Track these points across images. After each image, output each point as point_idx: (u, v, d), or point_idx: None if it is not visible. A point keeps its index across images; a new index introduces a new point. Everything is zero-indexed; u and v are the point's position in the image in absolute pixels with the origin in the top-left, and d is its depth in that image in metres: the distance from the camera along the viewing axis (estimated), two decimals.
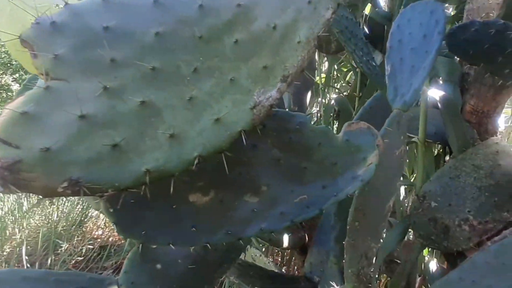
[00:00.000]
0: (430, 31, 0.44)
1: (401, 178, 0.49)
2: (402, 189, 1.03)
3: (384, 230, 0.89)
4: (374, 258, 0.46)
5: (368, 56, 0.57)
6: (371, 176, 0.35)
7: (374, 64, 0.58)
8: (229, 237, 0.31)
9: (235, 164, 0.32)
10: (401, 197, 1.03)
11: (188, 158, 0.22)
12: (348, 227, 0.43)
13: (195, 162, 0.22)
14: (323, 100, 1.22)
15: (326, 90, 1.24)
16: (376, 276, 0.93)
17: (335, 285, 0.48)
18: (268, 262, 0.80)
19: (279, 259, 1.28)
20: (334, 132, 0.38)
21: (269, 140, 0.33)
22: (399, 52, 0.46)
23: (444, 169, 0.67)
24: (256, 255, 0.84)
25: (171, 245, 0.28)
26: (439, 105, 0.70)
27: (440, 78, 0.79)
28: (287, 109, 0.65)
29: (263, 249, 1.29)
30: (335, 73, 1.21)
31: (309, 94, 0.71)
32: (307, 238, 0.70)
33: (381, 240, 0.46)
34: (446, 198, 0.64)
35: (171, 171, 0.22)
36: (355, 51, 0.53)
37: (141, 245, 0.38)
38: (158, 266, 0.39)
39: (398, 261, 0.79)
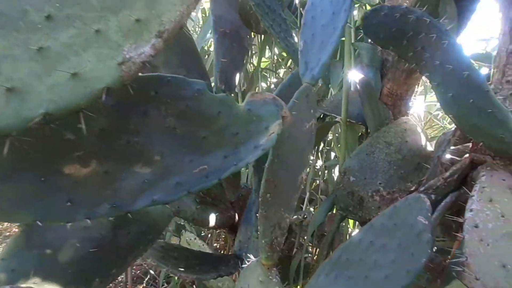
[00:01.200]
0: (338, 8, 0.46)
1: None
2: (337, 169, 1.09)
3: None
4: (287, 227, 0.47)
5: (286, 32, 0.57)
6: (272, 145, 0.35)
7: (292, 41, 0.59)
8: (115, 210, 0.28)
9: (121, 131, 0.29)
10: (336, 177, 1.10)
11: (29, 116, 0.19)
12: (260, 199, 0.44)
13: (40, 120, 0.19)
14: (265, 85, 1.22)
15: (268, 75, 1.24)
16: (310, 249, 0.98)
17: (252, 257, 0.49)
18: (203, 245, 0.79)
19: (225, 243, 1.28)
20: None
21: (162, 107, 0.31)
22: (311, 28, 0.47)
23: (362, 146, 0.72)
24: (191, 239, 0.82)
25: (38, 222, 0.25)
26: (358, 88, 0.75)
27: (364, 63, 0.84)
28: (213, 88, 0.63)
29: (209, 235, 1.28)
30: (275, 57, 1.21)
31: (238, 76, 0.70)
32: (237, 218, 0.70)
33: (294, 211, 0.47)
34: (362, 173, 0.69)
35: (5, 130, 0.19)
36: (272, 26, 0.53)
37: (24, 228, 0.34)
38: (48, 251, 0.35)
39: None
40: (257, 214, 0.44)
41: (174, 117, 0.31)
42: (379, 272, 0.43)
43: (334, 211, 0.79)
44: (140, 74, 0.24)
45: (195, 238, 0.81)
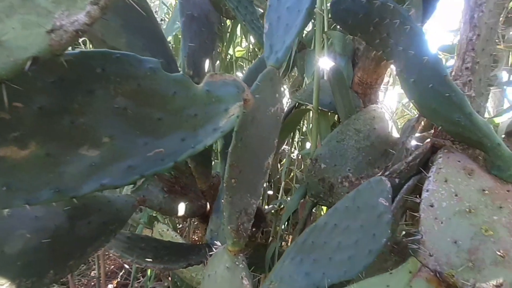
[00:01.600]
0: None
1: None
2: None
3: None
4: (254, 213, 0.47)
5: (252, 15, 0.56)
6: (232, 127, 0.34)
7: (259, 24, 0.58)
8: (59, 195, 0.26)
9: (64, 111, 0.27)
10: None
11: None
12: (224, 185, 0.43)
13: None
14: (241, 74, 1.20)
15: (244, 65, 1.22)
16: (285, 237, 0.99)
17: (219, 244, 0.48)
18: (175, 236, 0.78)
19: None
20: None
21: (111, 86, 0.29)
22: (277, 11, 0.46)
23: (333, 134, 0.72)
24: (163, 230, 0.80)
25: None
26: (328, 75, 0.75)
27: (336, 52, 0.84)
28: (181, 72, 0.61)
29: (187, 227, 1.27)
30: (250, 46, 1.20)
31: (208, 62, 0.68)
32: (208, 207, 0.69)
33: (261, 196, 0.47)
34: (333, 160, 0.70)
35: None
36: (237, 8, 0.52)
37: None
38: None
39: None
40: (223, 201, 0.43)
41: (125, 97, 0.29)
42: (342, 253, 0.44)
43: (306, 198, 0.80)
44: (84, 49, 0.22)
45: (167, 230, 0.79)
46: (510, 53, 0.78)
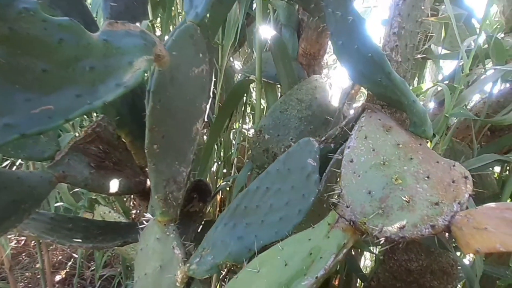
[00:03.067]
0: None
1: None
2: None
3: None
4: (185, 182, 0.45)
5: None
6: (137, 82, 0.31)
7: None
8: None
9: None
10: None
11: None
12: (146, 151, 0.40)
13: None
14: None
15: None
16: None
17: (150, 216, 0.46)
18: (118, 218, 0.73)
19: None
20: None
21: None
22: None
23: (276, 104, 0.72)
24: (105, 213, 0.75)
25: None
26: (270, 45, 0.73)
27: (281, 22, 0.82)
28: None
29: (138, 210, 1.21)
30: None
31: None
32: (148, 183, 0.66)
33: (191, 164, 0.45)
34: (276, 130, 0.70)
35: None
36: None
37: None
38: None
39: None
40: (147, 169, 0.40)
41: None
42: (274, 215, 0.44)
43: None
44: None
45: (109, 212, 0.74)
46: (443, 26, 0.82)
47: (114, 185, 0.56)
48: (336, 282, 0.89)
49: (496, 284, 0.66)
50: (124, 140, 0.60)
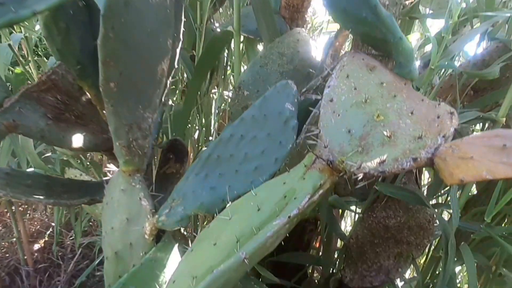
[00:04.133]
0: None
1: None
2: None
3: None
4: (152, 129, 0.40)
5: None
6: (50, 6, 0.25)
7: None
8: None
9: None
10: None
11: None
12: (101, 89, 0.35)
13: None
14: None
15: None
16: None
17: (115, 169, 0.42)
18: (91, 180, 0.69)
19: None
20: None
21: None
22: None
23: (256, 58, 0.67)
24: (76, 176, 0.70)
25: None
26: None
27: None
28: None
29: None
30: None
31: None
32: None
33: (157, 110, 0.40)
34: (256, 86, 0.65)
35: None
36: None
37: None
38: None
39: None
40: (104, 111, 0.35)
41: None
42: (249, 164, 0.40)
43: None
44: None
45: (80, 175, 0.70)
46: None
47: (77, 140, 0.50)
48: (317, 245, 0.90)
49: (471, 237, 0.67)
50: (88, 93, 0.53)
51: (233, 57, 0.97)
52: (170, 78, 0.45)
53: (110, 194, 0.41)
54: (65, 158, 0.73)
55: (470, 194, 0.82)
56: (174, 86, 1.14)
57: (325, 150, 0.31)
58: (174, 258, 0.40)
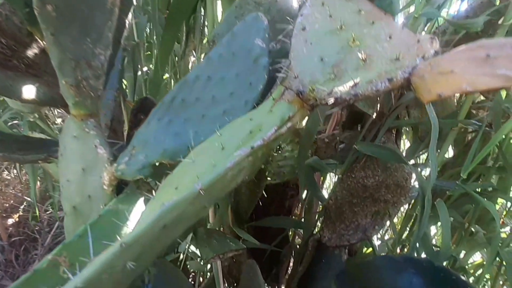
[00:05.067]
0: None
1: None
2: None
3: None
4: (104, 70, 0.35)
5: None
6: None
7: None
8: None
9: None
10: None
11: None
12: (37, 13, 0.29)
13: None
14: None
15: None
16: None
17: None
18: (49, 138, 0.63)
19: None
20: None
21: None
22: None
23: (231, 9, 0.61)
24: None
25: None
26: None
27: None
28: None
29: None
30: None
31: None
32: None
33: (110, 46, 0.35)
34: None
35: None
36: None
37: None
38: None
39: None
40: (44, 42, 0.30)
41: None
42: (217, 108, 0.36)
43: None
44: None
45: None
46: None
47: (28, 91, 0.45)
48: (298, 212, 0.89)
49: (446, 194, 0.67)
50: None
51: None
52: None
53: (63, 143, 0.37)
54: (31, 119, 0.66)
55: (447, 157, 0.82)
56: (149, 52, 1.07)
57: (295, 81, 0.28)
58: (139, 209, 0.36)
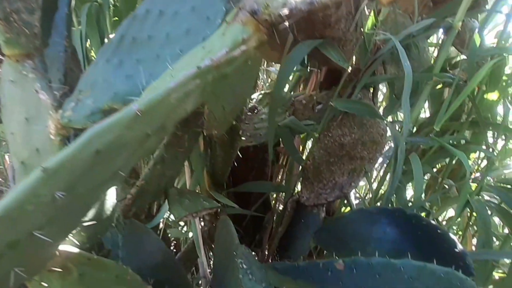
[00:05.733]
0: None
1: None
2: None
3: None
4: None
5: None
6: None
7: None
8: None
9: None
10: None
11: None
12: None
13: None
14: None
15: None
16: None
17: None
18: None
19: None
20: None
21: None
22: None
23: None
24: None
25: None
26: None
27: None
28: None
29: None
30: None
31: None
32: None
33: None
34: None
35: None
36: None
37: None
38: None
39: None
40: None
41: None
42: (172, 47, 0.33)
43: None
44: None
45: None
46: None
47: None
48: (279, 178, 0.88)
49: (421, 148, 0.67)
50: None
51: None
52: None
53: (2, 91, 0.33)
54: None
55: (423, 117, 0.82)
56: (117, 18, 0.99)
57: (250, 1, 0.25)
58: None
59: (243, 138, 0.64)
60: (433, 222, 0.49)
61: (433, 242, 0.44)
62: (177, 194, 0.49)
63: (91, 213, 0.33)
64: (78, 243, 0.31)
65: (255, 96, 0.76)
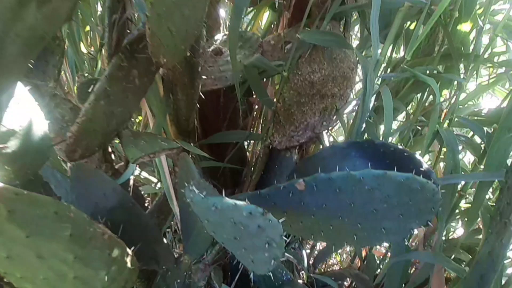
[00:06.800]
0: None
1: None
2: None
3: None
4: None
5: None
6: None
7: None
8: None
9: None
10: None
11: None
12: None
13: None
14: None
15: None
16: None
17: None
18: None
19: None
20: None
21: None
22: None
23: None
24: None
25: None
26: None
27: None
28: None
29: None
30: None
31: None
32: None
33: None
34: None
35: None
36: None
37: None
38: None
39: None
40: None
41: None
42: None
43: None
44: None
45: None
46: None
47: None
48: (254, 130, 0.83)
49: (393, 84, 0.64)
50: None
51: None
52: None
53: None
54: None
55: (397, 56, 0.79)
56: None
57: None
58: None
59: (208, 80, 0.59)
60: (400, 147, 0.47)
61: (401, 167, 0.43)
62: (132, 135, 0.45)
63: (13, 142, 0.28)
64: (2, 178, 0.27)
65: (220, 37, 0.70)
